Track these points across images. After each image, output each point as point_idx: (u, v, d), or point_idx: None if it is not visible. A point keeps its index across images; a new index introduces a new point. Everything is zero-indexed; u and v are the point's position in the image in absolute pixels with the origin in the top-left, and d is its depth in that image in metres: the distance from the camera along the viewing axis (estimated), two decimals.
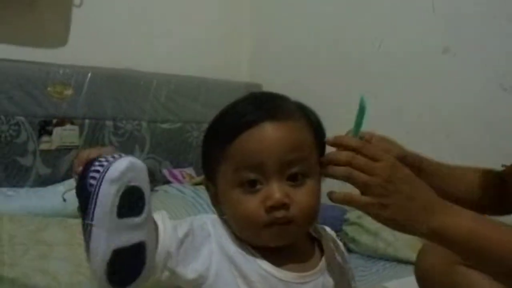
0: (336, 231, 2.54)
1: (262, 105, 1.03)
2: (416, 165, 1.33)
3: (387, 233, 2.41)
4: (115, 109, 2.55)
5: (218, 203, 1.07)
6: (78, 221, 1.86)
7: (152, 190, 2.46)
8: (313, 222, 1.07)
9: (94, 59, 2.54)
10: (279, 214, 0.98)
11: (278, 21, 3.22)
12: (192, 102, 2.75)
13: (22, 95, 2.29)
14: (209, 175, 1.08)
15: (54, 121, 2.36)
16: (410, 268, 1.97)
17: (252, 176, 0.99)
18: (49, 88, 2.35)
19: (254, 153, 0.99)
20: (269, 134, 0.99)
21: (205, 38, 3.04)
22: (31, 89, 2.31)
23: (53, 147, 2.36)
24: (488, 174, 1.48)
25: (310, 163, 1.02)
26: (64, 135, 2.38)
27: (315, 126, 1.07)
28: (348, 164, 1.02)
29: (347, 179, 1.01)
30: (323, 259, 1.07)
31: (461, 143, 2.42)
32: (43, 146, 2.33)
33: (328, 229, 1.19)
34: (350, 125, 1.13)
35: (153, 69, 2.74)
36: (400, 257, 2.32)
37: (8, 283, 1.55)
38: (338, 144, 1.05)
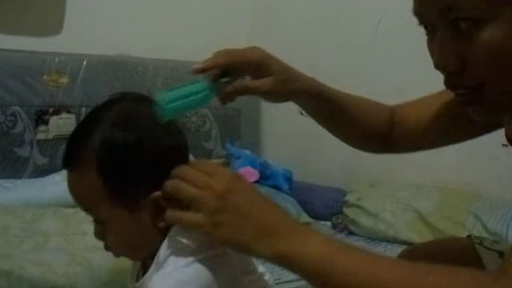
0: (336, 214, 2.57)
1: (68, 147, 1.05)
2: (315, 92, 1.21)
3: (387, 214, 2.40)
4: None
5: None
6: (74, 210, 1.87)
7: None
8: (136, 250, 1.07)
9: (90, 46, 2.53)
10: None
11: (276, 1, 3.19)
12: None
13: (18, 84, 2.28)
14: None
15: (51, 110, 2.35)
16: None
17: None
18: (44, 77, 2.34)
19: None
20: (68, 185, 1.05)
21: (201, 22, 3.02)
22: (26, 79, 2.31)
23: (50, 136, 2.35)
24: (383, 108, 1.38)
25: (99, 211, 1.02)
26: (61, 124, 2.37)
27: (109, 169, 0.99)
28: (177, 177, 0.94)
29: (175, 192, 0.93)
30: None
31: None
32: (40, 136, 2.32)
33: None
34: None
35: (149, 54, 2.72)
36: (401, 238, 2.31)
37: (4, 275, 1.54)
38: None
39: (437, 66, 0.91)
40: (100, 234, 1.05)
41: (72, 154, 1.02)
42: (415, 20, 0.93)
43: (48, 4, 2.54)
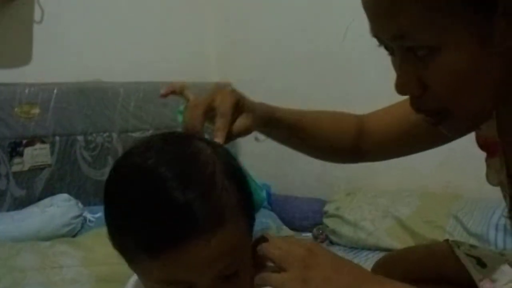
0: (316, 224, 2.58)
1: (198, 212, 0.80)
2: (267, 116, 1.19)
3: (366, 223, 2.41)
4: (85, 123, 2.52)
5: None
6: (50, 243, 1.86)
7: None
8: None
9: (60, 75, 2.51)
10: None
11: (245, 16, 3.19)
12: (162, 108, 2.72)
13: None
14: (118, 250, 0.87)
15: (24, 141, 2.33)
16: None
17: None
18: (16, 109, 2.33)
19: (179, 276, 0.83)
20: (198, 257, 0.81)
21: (170, 42, 3.02)
22: None
23: (26, 168, 2.34)
24: (348, 119, 1.39)
25: (245, 255, 0.90)
26: (36, 154, 2.36)
27: (249, 203, 0.90)
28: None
29: (265, 252, 0.92)
30: None
31: None
32: (15, 168, 2.31)
33: None
34: None
35: (119, 78, 2.71)
36: (382, 246, 2.32)
37: None
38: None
39: (399, 90, 0.93)
40: None
41: (215, 215, 0.82)
42: None
43: (14, 34, 2.52)
